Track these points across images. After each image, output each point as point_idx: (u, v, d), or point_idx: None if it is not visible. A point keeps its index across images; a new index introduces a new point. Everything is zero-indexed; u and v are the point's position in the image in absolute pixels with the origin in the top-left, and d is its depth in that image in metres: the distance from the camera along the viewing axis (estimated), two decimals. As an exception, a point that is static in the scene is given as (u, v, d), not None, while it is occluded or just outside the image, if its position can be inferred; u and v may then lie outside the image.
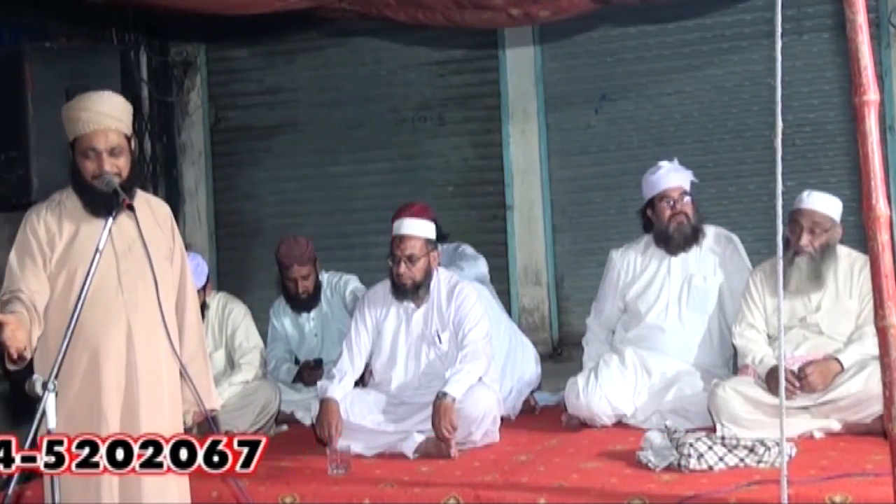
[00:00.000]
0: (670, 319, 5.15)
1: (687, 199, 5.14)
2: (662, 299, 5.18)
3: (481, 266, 5.74)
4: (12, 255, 3.41)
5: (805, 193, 4.76)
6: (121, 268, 3.43)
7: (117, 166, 3.41)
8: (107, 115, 3.42)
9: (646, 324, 5.18)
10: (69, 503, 3.20)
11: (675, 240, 5.17)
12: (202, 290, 5.27)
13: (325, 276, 5.85)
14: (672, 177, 5.15)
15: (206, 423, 3.56)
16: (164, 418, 3.49)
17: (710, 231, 5.27)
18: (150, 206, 3.61)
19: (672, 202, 5.13)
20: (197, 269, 5.26)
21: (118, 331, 3.40)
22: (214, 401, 3.75)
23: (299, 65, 7.52)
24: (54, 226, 3.43)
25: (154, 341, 3.46)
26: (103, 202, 3.35)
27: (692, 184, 5.23)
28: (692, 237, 5.17)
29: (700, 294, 5.14)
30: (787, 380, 4.23)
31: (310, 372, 5.65)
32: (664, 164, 5.21)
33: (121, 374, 3.40)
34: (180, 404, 3.59)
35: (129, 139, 3.49)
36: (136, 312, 3.43)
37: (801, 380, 4.46)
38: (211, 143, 7.70)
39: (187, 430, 3.78)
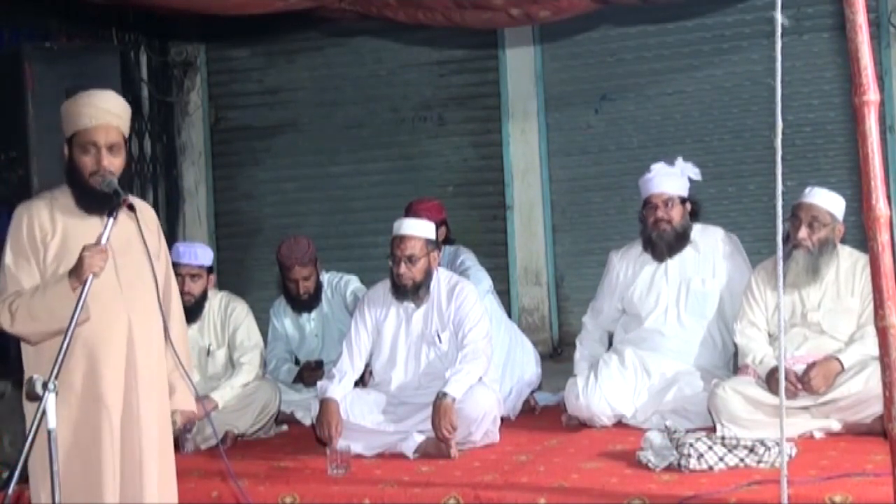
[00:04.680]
0: (669, 323, 5.13)
1: (674, 205, 5.09)
2: (661, 303, 5.16)
3: (485, 282, 5.71)
4: (7, 255, 3.40)
5: (807, 189, 4.77)
6: (118, 266, 3.42)
7: (113, 164, 3.40)
8: (110, 111, 3.42)
9: (645, 328, 5.16)
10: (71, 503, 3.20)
11: (658, 246, 5.15)
12: (207, 273, 5.29)
13: (325, 277, 5.85)
14: (657, 182, 5.11)
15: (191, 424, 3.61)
16: (158, 415, 3.49)
17: (710, 232, 5.26)
18: (138, 209, 3.60)
19: (654, 208, 5.11)
20: (202, 249, 5.33)
21: (119, 329, 3.40)
22: (194, 402, 3.74)
23: (299, 65, 7.52)
24: (47, 224, 3.40)
25: (150, 339, 3.47)
26: (99, 200, 3.36)
27: (693, 183, 5.20)
28: (675, 244, 5.13)
29: (699, 298, 5.12)
30: (788, 381, 4.23)
31: (310, 373, 5.65)
32: (656, 167, 5.14)
33: (122, 372, 3.40)
34: (168, 402, 3.59)
35: (126, 141, 3.49)
36: (135, 311, 3.43)
37: (804, 384, 4.45)
38: (211, 143, 7.71)
39: (176, 431, 3.79)
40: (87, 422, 3.34)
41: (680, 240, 5.13)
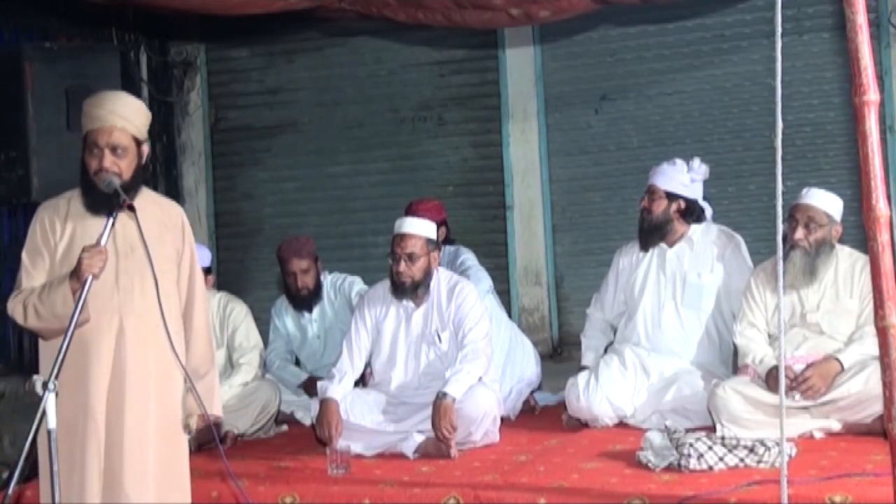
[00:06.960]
0: (666, 317, 5.16)
1: (658, 198, 5.16)
2: (658, 297, 5.20)
3: (485, 282, 5.71)
4: (24, 254, 3.48)
5: (804, 190, 4.78)
6: (119, 268, 3.42)
7: (118, 165, 3.40)
8: (115, 113, 3.43)
9: (643, 320, 5.20)
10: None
11: (640, 235, 5.26)
12: (205, 274, 5.27)
13: (328, 278, 5.83)
14: (652, 174, 5.24)
15: (208, 430, 3.56)
16: (150, 420, 3.46)
17: (707, 230, 5.27)
18: (160, 207, 3.61)
19: (643, 198, 5.23)
20: (200, 250, 5.28)
21: (108, 330, 3.40)
22: (219, 408, 3.68)
23: (299, 65, 7.52)
24: (58, 223, 3.46)
25: (146, 343, 3.45)
26: (102, 201, 3.38)
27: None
28: (650, 234, 5.21)
29: (695, 291, 5.14)
30: (786, 378, 4.23)
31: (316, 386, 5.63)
32: (667, 163, 5.25)
33: (108, 373, 3.39)
34: (176, 408, 3.55)
35: (138, 142, 3.48)
36: (129, 313, 3.43)
37: (803, 384, 4.45)
38: (211, 143, 7.71)
39: (188, 435, 3.76)
40: (74, 422, 3.33)
41: (653, 231, 5.21)
